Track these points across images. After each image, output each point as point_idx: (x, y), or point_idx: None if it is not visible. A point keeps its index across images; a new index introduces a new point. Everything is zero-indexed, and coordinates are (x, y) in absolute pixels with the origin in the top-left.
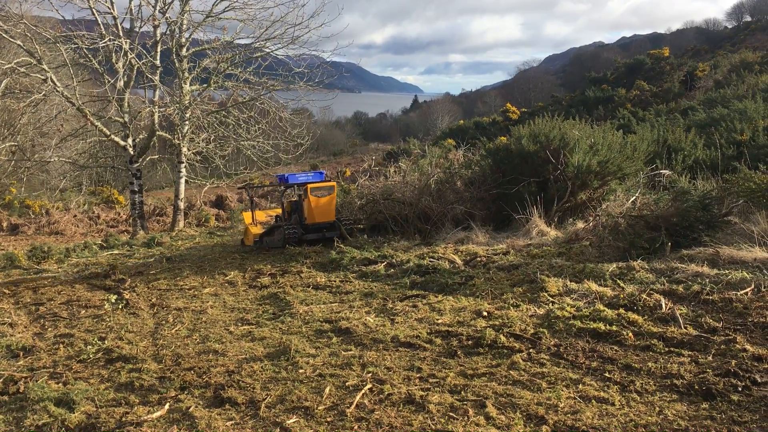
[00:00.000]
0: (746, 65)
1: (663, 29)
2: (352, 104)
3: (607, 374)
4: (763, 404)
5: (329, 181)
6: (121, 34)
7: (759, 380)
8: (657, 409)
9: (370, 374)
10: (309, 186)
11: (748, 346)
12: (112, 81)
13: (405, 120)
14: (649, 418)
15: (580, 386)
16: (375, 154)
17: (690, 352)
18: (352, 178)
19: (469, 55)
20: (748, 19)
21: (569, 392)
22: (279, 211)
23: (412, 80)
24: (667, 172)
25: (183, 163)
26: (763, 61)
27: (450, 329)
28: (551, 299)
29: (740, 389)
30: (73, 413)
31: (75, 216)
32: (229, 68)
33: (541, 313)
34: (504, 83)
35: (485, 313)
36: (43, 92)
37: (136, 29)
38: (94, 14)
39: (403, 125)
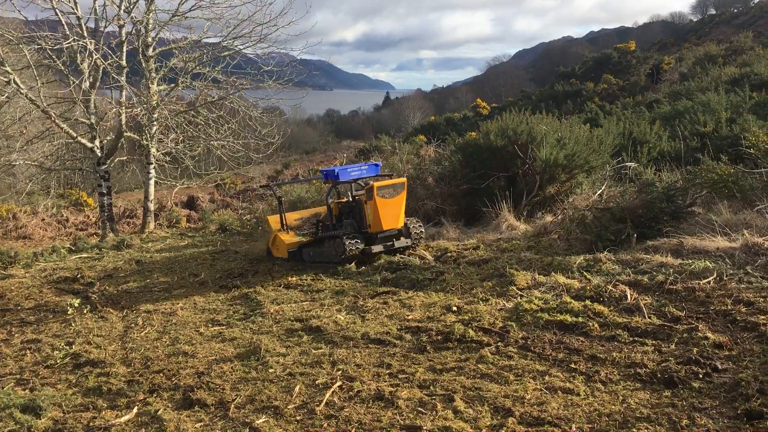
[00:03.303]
0: (710, 58)
1: (630, 23)
2: (325, 102)
3: (573, 365)
4: (723, 390)
5: (391, 174)
6: (85, 34)
7: (719, 367)
8: (620, 397)
9: (340, 372)
10: (375, 185)
11: (709, 334)
12: (77, 82)
13: (377, 117)
14: (613, 406)
15: (547, 378)
16: (347, 152)
17: (653, 341)
18: None
19: (441, 51)
20: (713, 12)
21: (536, 384)
22: (307, 213)
23: (384, 77)
24: (632, 164)
25: (152, 164)
26: (726, 54)
27: (420, 325)
28: (520, 293)
29: (701, 376)
30: (40, 419)
31: (43, 219)
32: (197, 67)
33: (510, 306)
34: (475, 79)
35: (455, 308)
36: (6, 94)
37: (101, 29)
38: (57, 14)
39: (376, 122)
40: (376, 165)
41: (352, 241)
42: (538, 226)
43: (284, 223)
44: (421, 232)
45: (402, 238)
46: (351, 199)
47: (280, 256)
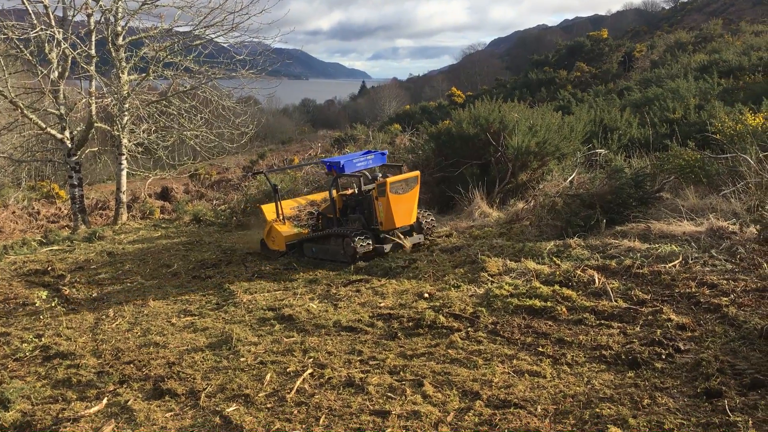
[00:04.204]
0: (680, 45)
1: (604, 11)
2: (300, 91)
3: (540, 348)
4: (685, 370)
5: (401, 166)
6: (53, 23)
7: (682, 348)
8: (585, 379)
9: (311, 359)
10: (388, 180)
11: (673, 316)
12: (45, 72)
13: (353, 106)
14: (578, 388)
15: (515, 361)
16: (323, 141)
17: (619, 324)
18: (300, 165)
19: (417, 39)
20: (685, 0)
21: (504, 368)
22: (303, 200)
23: (360, 66)
24: (603, 151)
25: (124, 155)
26: (696, 41)
27: (392, 312)
28: (491, 279)
29: (664, 357)
30: (8, 412)
31: (13, 212)
32: (169, 56)
33: (481, 292)
34: (451, 67)
35: (426, 295)
36: None
37: (69, 18)
38: (24, 3)
39: (352, 111)
40: (383, 154)
41: (363, 242)
42: (510, 213)
43: (281, 213)
44: (432, 224)
45: (414, 233)
46: (358, 192)
47: (277, 249)
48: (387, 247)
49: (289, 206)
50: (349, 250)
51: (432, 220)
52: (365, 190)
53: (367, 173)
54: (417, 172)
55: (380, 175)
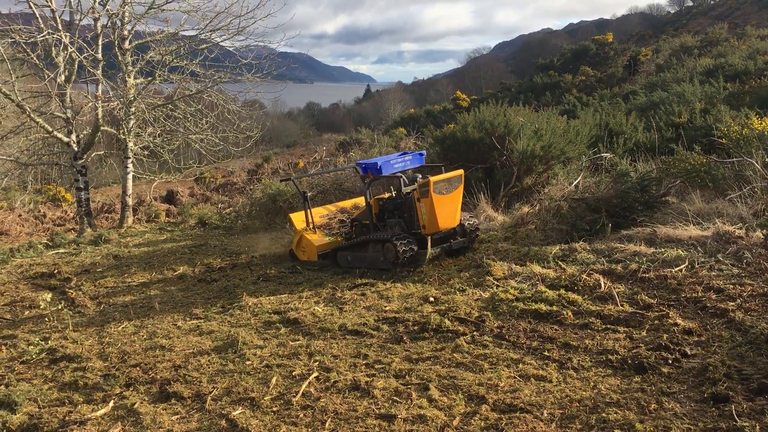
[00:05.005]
0: (686, 49)
1: (609, 15)
2: (305, 95)
3: (546, 353)
4: (691, 375)
5: (441, 166)
6: (60, 27)
7: (688, 352)
8: (591, 384)
9: (317, 363)
10: (432, 180)
11: (679, 321)
12: (52, 76)
13: (358, 110)
14: (584, 392)
15: (521, 365)
16: (328, 145)
17: (625, 329)
18: (304, 169)
19: (421, 43)
20: (690, 3)
21: (509, 372)
22: (333, 207)
23: (365, 70)
24: (608, 154)
25: (129, 158)
26: (701, 45)
27: (397, 315)
28: (496, 282)
29: (670, 362)
30: (15, 414)
31: (20, 215)
32: (175, 60)
33: (486, 296)
34: (455, 71)
35: (432, 299)
36: None
37: (76, 22)
38: (31, 7)
39: (356, 115)
40: (421, 154)
41: (406, 246)
42: (515, 217)
43: (311, 221)
44: (476, 226)
45: (458, 237)
46: (396, 195)
47: (308, 259)
48: (432, 252)
49: (318, 214)
50: (390, 256)
51: (475, 222)
52: (405, 192)
53: (404, 175)
54: (461, 171)
55: (419, 176)
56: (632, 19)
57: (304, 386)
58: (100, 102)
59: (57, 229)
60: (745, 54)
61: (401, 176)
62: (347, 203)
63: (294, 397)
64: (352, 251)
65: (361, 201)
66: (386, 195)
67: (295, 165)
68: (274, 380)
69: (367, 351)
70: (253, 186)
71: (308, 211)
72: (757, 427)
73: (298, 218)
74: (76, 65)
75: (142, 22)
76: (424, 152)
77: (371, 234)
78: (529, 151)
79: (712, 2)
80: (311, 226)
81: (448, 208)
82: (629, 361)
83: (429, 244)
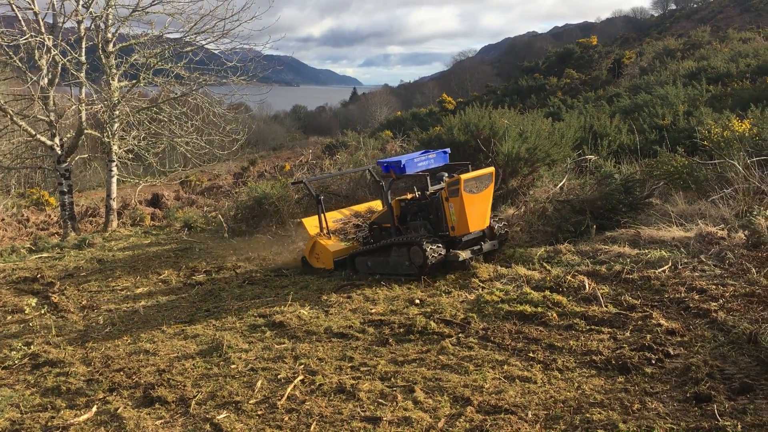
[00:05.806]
0: (669, 52)
1: (593, 19)
2: (291, 98)
3: (531, 354)
4: (674, 375)
5: (467, 164)
6: (43, 30)
7: (671, 353)
8: (576, 384)
9: (302, 366)
10: (462, 178)
11: (662, 321)
12: (35, 79)
13: (344, 113)
14: (568, 393)
15: (506, 367)
16: (314, 148)
17: (609, 329)
18: (290, 172)
19: (408, 46)
20: (673, 7)
21: (495, 373)
22: (347, 212)
23: (351, 73)
24: (592, 157)
25: (114, 161)
26: (684, 48)
27: (383, 318)
28: (482, 284)
29: (654, 362)
30: None
31: (3, 219)
32: (159, 63)
33: (472, 298)
34: (442, 74)
35: (418, 301)
36: None
37: (60, 25)
38: (13, 10)
39: (343, 118)
40: (445, 152)
41: (435, 249)
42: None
43: (324, 227)
44: (505, 229)
45: (487, 240)
46: (421, 196)
47: (322, 266)
48: (463, 255)
49: (332, 219)
50: (417, 260)
51: (504, 224)
52: (431, 192)
53: (426, 174)
54: (491, 169)
55: (446, 174)
56: (616, 22)
57: (289, 389)
58: (83, 105)
59: (40, 233)
60: (728, 57)
61: (427, 175)
62: (362, 207)
63: (279, 400)
64: (373, 256)
65: (376, 204)
66: (409, 196)
67: (281, 168)
68: (259, 384)
69: (353, 354)
70: (239, 189)
71: (322, 215)
72: (739, 426)
73: (310, 223)
74: (59, 68)
75: (126, 25)
76: (448, 150)
77: (394, 237)
78: (514, 154)
79: (695, 6)
80: (325, 232)
81: (478, 208)
82: (613, 362)
83: (460, 246)
